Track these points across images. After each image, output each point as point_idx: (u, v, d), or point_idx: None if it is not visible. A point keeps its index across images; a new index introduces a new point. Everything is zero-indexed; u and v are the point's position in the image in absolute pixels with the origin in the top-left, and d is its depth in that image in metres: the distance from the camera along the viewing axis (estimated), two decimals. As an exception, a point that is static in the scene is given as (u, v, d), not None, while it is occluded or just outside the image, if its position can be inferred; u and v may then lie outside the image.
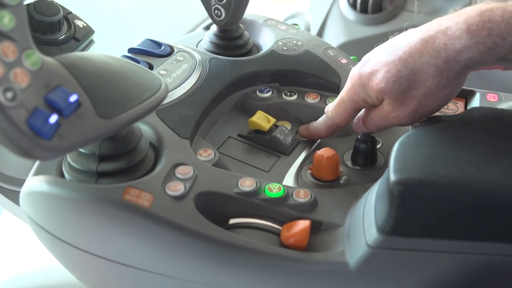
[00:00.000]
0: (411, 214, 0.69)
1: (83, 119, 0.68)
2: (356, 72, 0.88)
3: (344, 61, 1.08)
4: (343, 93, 0.91)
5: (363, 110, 0.92)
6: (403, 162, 0.71)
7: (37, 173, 0.80)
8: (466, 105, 0.99)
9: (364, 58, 0.89)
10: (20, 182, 1.10)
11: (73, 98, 0.67)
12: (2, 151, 1.08)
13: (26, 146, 0.64)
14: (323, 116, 0.96)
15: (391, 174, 0.69)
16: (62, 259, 0.85)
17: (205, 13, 1.09)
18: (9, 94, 0.62)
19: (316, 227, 0.79)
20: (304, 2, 1.89)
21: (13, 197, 1.10)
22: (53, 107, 0.66)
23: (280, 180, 0.89)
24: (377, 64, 0.84)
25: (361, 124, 0.92)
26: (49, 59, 0.69)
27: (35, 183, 0.78)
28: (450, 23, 0.78)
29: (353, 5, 1.75)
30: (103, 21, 1.07)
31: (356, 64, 1.05)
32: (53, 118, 0.65)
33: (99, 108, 0.69)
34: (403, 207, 0.68)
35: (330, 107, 0.95)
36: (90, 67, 0.71)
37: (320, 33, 1.75)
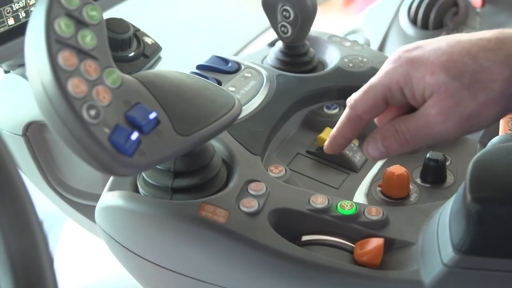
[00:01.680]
0: (488, 233, 0.68)
1: (162, 136, 0.68)
2: (401, 55, 0.75)
3: None
4: (375, 77, 0.77)
5: (384, 125, 0.77)
6: (480, 181, 0.70)
7: (112, 188, 0.81)
8: None
9: (411, 45, 0.76)
10: (89, 196, 1.12)
11: (152, 115, 0.68)
12: (73, 166, 1.11)
13: (108, 163, 0.65)
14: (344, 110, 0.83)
15: (468, 192, 0.68)
16: (135, 273, 0.86)
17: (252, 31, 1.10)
18: (93, 112, 0.63)
19: (388, 245, 0.78)
20: (361, 18, 1.89)
21: (83, 210, 1.12)
22: (133, 124, 0.67)
23: (350, 197, 0.89)
24: (435, 51, 0.72)
25: (378, 141, 0.77)
26: (127, 76, 0.70)
27: (110, 198, 0.79)
28: None
29: (413, 22, 1.74)
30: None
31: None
32: (134, 135, 0.65)
33: (177, 125, 0.70)
34: (480, 226, 0.67)
35: (355, 94, 0.80)
36: (167, 84, 0.73)
37: (380, 50, 1.75)
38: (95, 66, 0.66)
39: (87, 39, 0.66)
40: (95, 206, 0.83)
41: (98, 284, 1.38)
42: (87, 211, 1.12)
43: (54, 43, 0.63)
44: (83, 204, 1.13)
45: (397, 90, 0.75)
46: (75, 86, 0.63)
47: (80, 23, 0.66)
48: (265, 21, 1.10)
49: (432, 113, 0.72)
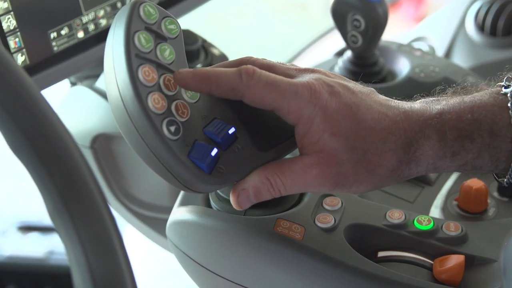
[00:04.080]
0: None
1: (241, 151, 0.67)
2: (323, 94, 0.68)
3: (485, 88, 1.05)
4: (288, 83, 0.67)
5: (254, 175, 0.69)
6: None
7: (183, 203, 0.80)
8: None
9: (347, 85, 0.73)
10: (156, 208, 1.12)
11: (231, 130, 0.67)
12: (139, 178, 1.10)
13: (187, 180, 0.64)
14: None
15: None
16: (206, 288, 0.85)
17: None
18: (173, 128, 0.63)
19: (468, 262, 0.76)
20: (425, 26, 1.85)
21: (150, 222, 1.12)
22: (212, 140, 0.66)
23: (426, 211, 0.87)
24: (357, 113, 0.69)
25: (250, 195, 0.69)
26: (204, 90, 0.69)
27: (183, 213, 0.78)
28: None
29: (480, 28, 1.70)
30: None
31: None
32: (214, 152, 0.65)
33: (256, 140, 0.69)
34: None
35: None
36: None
37: (446, 57, 1.71)
38: (174, 81, 0.66)
39: (166, 53, 0.66)
40: (162, 219, 0.82)
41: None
42: (154, 224, 1.12)
43: (135, 57, 0.62)
44: (149, 216, 1.12)
45: (293, 116, 0.68)
46: (155, 101, 0.62)
47: (159, 37, 0.66)
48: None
49: (313, 173, 0.68)
